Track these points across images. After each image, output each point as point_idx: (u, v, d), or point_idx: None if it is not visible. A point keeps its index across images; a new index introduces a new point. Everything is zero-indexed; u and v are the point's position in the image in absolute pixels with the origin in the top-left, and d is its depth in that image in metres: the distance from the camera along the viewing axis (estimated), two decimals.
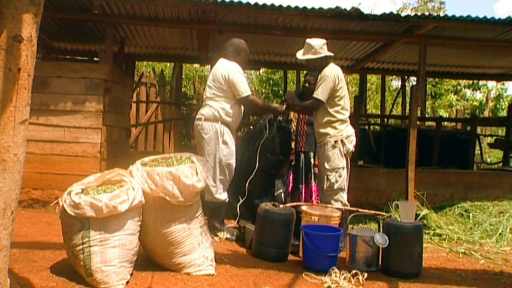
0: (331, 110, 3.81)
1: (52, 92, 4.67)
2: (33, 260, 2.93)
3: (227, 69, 3.83)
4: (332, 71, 3.81)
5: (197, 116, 3.91)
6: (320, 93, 3.78)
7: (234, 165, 3.89)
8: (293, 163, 4.63)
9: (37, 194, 4.62)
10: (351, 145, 3.84)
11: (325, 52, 3.86)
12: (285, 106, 4.06)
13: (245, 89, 3.82)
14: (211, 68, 4.15)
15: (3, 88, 1.88)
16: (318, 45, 3.84)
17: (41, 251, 3.14)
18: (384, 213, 3.71)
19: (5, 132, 1.89)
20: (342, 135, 3.79)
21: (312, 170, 4.33)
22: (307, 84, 4.42)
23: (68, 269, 2.75)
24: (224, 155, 3.81)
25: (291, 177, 4.49)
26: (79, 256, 2.57)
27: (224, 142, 3.81)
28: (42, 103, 4.62)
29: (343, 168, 3.80)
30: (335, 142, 3.78)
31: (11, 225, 1.96)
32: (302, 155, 4.59)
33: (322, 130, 3.86)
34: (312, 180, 4.35)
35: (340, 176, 3.78)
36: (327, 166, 3.80)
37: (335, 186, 3.78)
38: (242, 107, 3.97)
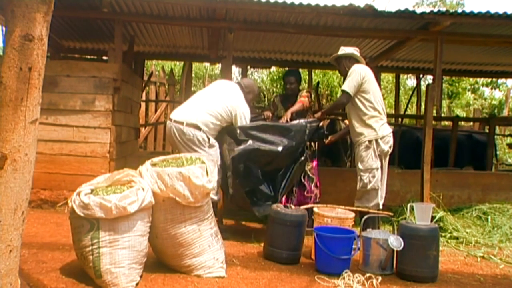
0: (362, 107, 3.88)
1: (61, 92, 4.66)
2: (42, 261, 2.94)
3: (236, 105, 3.82)
4: (359, 67, 3.95)
5: (178, 119, 3.71)
6: (347, 86, 3.87)
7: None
8: None
9: (46, 195, 4.62)
10: (386, 145, 3.89)
11: (354, 53, 4.03)
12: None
13: (243, 122, 3.84)
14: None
15: (14, 87, 1.88)
16: (349, 48, 4.08)
17: (50, 252, 3.14)
18: (391, 213, 3.66)
19: (16, 131, 1.89)
20: (377, 134, 3.83)
21: (307, 172, 4.25)
22: (288, 86, 4.47)
23: (77, 270, 2.75)
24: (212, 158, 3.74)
25: None
26: (89, 257, 2.56)
27: (211, 146, 3.75)
28: (51, 102, 4.61)
29: (377, 169, 3.85)
30: (369, 142, 3.83)
31: (21, 225, 1.97)
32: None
33: (357, 130, 3.91)
34: (308, 181, 4.26)
35: (373, 176, 3.84)
36: (360, 166, 3.86)
37: (368, 187, 3.84)
38: None
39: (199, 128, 3.68)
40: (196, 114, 3.72)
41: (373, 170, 3.82)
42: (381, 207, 3.92)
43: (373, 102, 3.88)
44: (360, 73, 3.87)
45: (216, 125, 3.79)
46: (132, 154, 5.75)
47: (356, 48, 4.16)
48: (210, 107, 3.76)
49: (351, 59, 4.03)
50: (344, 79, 4.08)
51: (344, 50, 4.09)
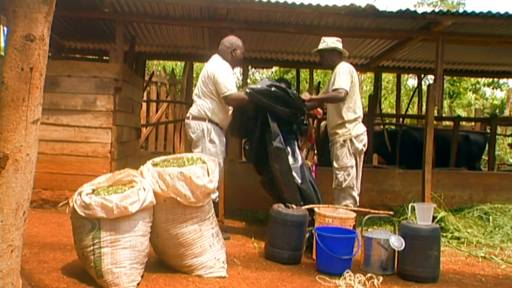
0: (341, 110, 3.93)
1: (62, 92, 4.67)
2: (43, 261, 2.94)
3: (215, 67, 3.81)
4: (347, 67, 3.94)
5: (187, 115, 3.90)
6: (345, 84, 3.84)
7: (222, 164, 3.81)
8: None
9: (47, 195, 4.62)
10: (360, 144, 3.94)
11: (337, 46, 4.01)
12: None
13: (227, 88, 3.70)
14: None
15: (15, 87, 1.88)
16: (331, 40, 4.04)
17: (51, 252, 3.14)
18: (392, 213, 3.65)
19: (17, 131, 1.89)
20: (350, 134, 3.91)
21: None
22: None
23: (78, 270, 2.75)
24: (211, 154, 3.69)
25: None
26: (90, 257, 2.57)
27: (211, 141, 3.76)
28: (52, 102, 4.61)
29: (352, 167, 3.92)
30: (344, 141, 3.92)
31: (23, 225, 1.97)
32: None
33: (333, 130, 4.01)
34: None
35: (348, 174, 3.90)
36: (335, 165, 3.96)
37: (344, 185, 3.90)
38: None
39: (203, 119, 3.75)
40: (196, 105, 3.81)
41: (348, 168, 3.89)
42: (358, 203, 3.95)
43: (355, 107, 3.92)
44: (350, 73, 3.89)
45: (214, 102, 3.76)
46: (133, 154, 5.75)
47: (338, 38, 4.08)
48: (198, 90, 3.84)
49: (334, 52, 4.01)
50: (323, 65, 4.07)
51: (326, 42, 4.02)
